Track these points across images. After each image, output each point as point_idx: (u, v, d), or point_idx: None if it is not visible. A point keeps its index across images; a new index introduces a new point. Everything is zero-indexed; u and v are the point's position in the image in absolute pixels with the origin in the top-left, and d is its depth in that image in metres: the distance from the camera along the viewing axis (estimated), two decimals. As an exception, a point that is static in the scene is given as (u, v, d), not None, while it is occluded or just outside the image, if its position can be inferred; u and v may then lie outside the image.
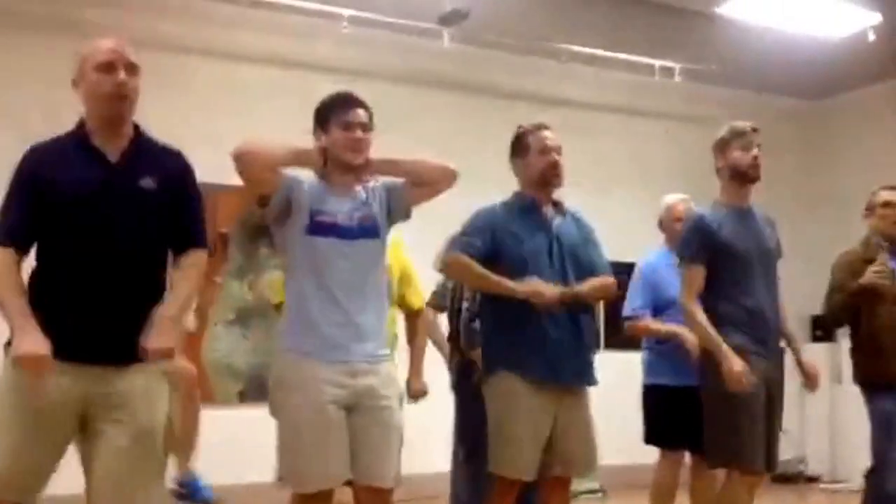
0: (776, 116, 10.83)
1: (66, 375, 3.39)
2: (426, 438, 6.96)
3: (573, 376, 4.45)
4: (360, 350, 3.89)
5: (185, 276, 3.64)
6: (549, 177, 4.57)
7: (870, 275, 5.02)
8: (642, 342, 5.93)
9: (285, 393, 3.86)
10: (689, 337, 5.17)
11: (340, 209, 3.96)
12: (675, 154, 10.12)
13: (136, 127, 3.67)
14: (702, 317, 4.62)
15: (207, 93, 8.38)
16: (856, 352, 5.34)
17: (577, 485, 8.39)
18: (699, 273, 4.64)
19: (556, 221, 4.60)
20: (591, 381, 4.57)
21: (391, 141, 8.77)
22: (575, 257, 4.56)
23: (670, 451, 5.73)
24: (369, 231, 4.00)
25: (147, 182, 3.56)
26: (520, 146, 4.65)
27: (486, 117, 9.14)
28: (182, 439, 5.64)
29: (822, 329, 10.15)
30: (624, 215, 9.18)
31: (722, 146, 4.77)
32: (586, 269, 4.59)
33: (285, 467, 3.90)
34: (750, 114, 10.43)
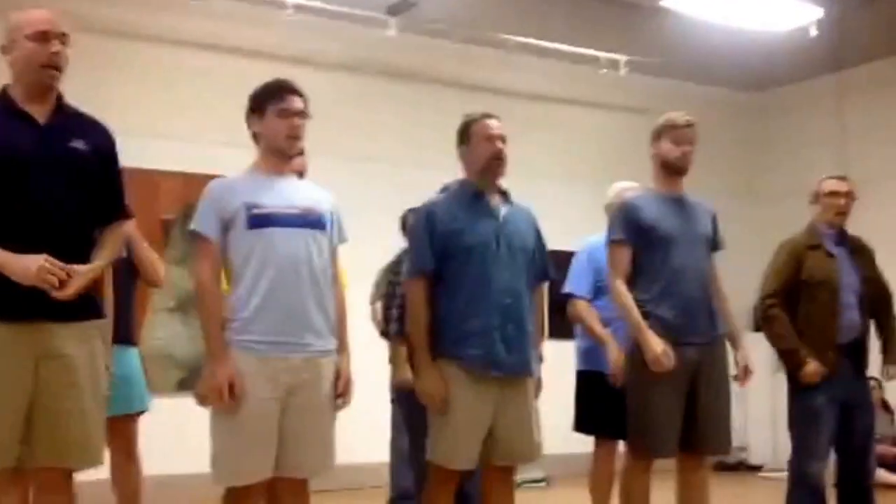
0: (719, 108, 10.94)
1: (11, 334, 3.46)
2: (370, 428, 6.94)
3: (514, 367, 4.40)
4: (301, 345, 3.88)
5: (114, 241, 3.74)
6: (492, 165, 4.53)
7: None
8: (575, 328, 5.93)
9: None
10: (614, 356, 5.33)
11: (277, 201, 3.94)
12: (619, 145, 10.17)
13: (59, 95, 3.71)
14: (626, 298, 4.71)
15: (149, 79, 8.29)
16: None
17: (521, 474, 8.42)
18: (624, 253, 4.76)
19: (503, 210, 4.56)
20: (530, 372, 4.53)
21: (335, 129, 8.80)
22: (523, 248, 4.54)
23: (603, 439, 5.75)
24: (313, 223, 3.99)
25: (78, 144, 3.61)
26: (465, 134, 4.61)
27: (431, 107, 9.14)
28: (129, 498, 5.59)
29: None
30: (567, 205, 9.21)
31: (656, 135, 4.89)
32: (536, 270, 4.61)
33: (219, 460, 3.90)
34: (693, 105, 10.47)
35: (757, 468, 10.13)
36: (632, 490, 4.79)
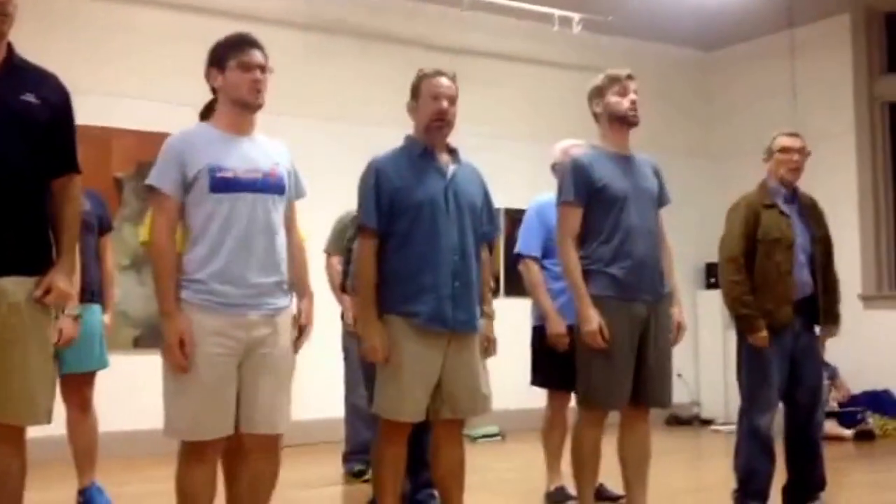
0: (672, 66, 11.00)
1: None
2: (323, 384, 6.97)
3: (461, 323, 4.45)
4: (257, 305, 3.89)
5: (73, 211, 3.77)
6: (433, 124, 4.53)
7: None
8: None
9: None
10: (555, 329, 5.55)
11: (241, 163, 3.92)
12: (572, 103, 10.16)
13: (10, 46, 3.68)
14: (573, 262, 4.73)
15: (101, 36, 8.20)
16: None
17: (475, 429, 8.51)
18: (574, 213, 4.73)
19: (452, 168, 4.58)
20: (476, 328, 4.57)
21: (291, 87, 8.76)
22: (472, 206, 4.57)
23: (556, 392, 5.84)
24: (274, 186, 3.99)
25: (29, 97, 3.59)
26: (415, 90, 4.62)
27: (384, 64, 9.12)
28: (84, 452, 5.61)
29: (715, 276, 10.36)
30: (519, 163, 9.24)
31: (598, 92, 4.87)
32: (483, 228, 4.66)
33: (172, 415, 3.89)
34: (646, 63, 10.66)
35: (708, 422, 10.27)
36: (583, 443, 4.83)
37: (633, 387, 4.71)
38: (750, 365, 5.33)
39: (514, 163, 9.28)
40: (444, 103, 4.52)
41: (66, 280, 3.70)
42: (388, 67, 8.93)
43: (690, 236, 9.35)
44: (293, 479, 5.84)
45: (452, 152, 4.64)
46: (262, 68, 4.00)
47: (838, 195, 9.96)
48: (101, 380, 6.68)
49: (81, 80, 7.86)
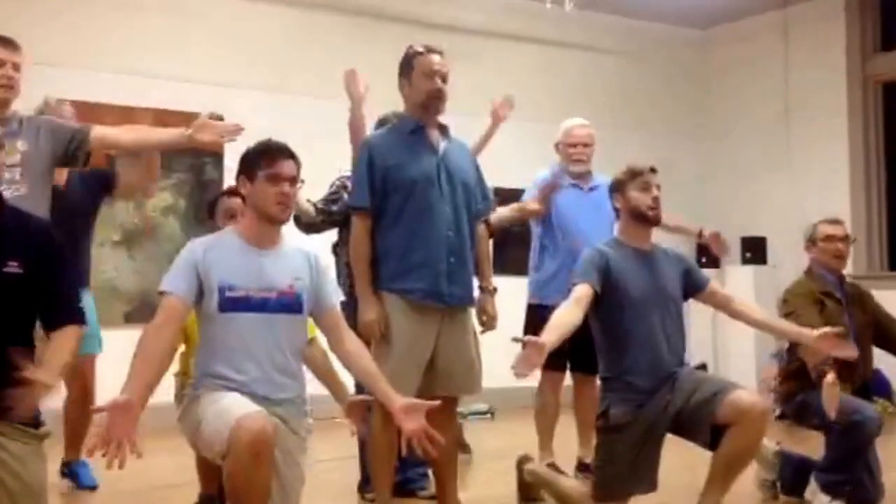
0: (664, 44, 11.00)
1: None
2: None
3: (456, 299, 4.49)
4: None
5: (62, 347, 3.56)
6: (431, 102, 4.54)
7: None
8: (530, 263, 6.00)
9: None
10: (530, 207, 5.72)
11: (254, 281, 3.78)
12: (564, 82, 10.20)
13: (1, 197, 3.60)
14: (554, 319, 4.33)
15: (117, 15, 8.22)
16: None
17: (466, 406, 8.54)
18: (584, 290, 4.37)
19: (443, 145, 4.60)
20: (471, 302, 4.62)
21: (281, 64, 8.74)
22: (464, 182, 4.59)
23: (550, 371, 5.84)
24: (289, 306, 3.85)
25: (11, 267, 3.46)
26: (407, 67, 4.61)
27: (374, 42, 9.07)
28: (77, 430, 5.55)
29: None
30: (511, 142, 9.23)
31: (620, 187, 4.62)
32: (475, 204, 4.67)
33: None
34: (638, 42, 10.69)
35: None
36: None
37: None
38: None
39: (505, 141, 9.23)
40: (439, 81, 4.54)
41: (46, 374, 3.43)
42: (379, 45, 8.90)
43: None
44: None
45: (443, 129, 4.66)
46: (293, 181, 3.86)
47: (830, 173, 10.01)
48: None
49: (99, 58, 7.96)
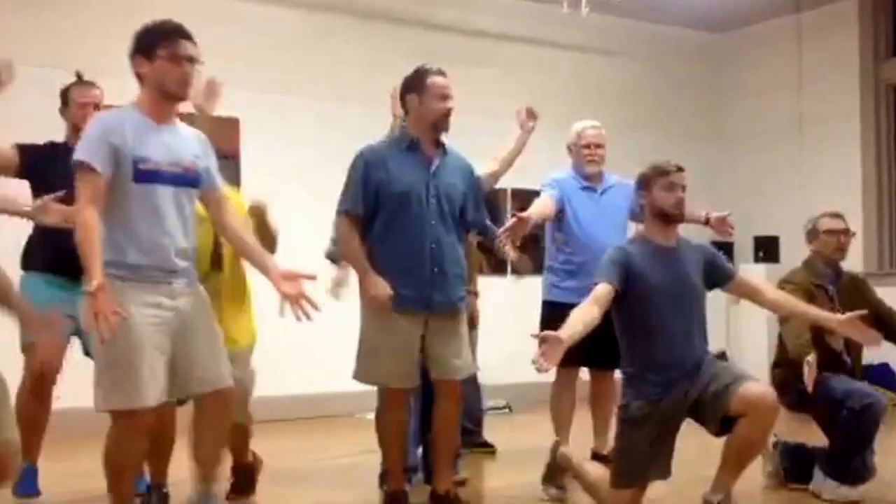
0: (679, 49, 11.13)
1: None
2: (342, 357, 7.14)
3: (438, 304, 4.88)
4: (168, 282, 4.05)
5: None
6: (442, 122, 4.89)
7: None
8: (545, 260, 6.16)
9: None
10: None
11: (163, 155, 4.02)
12: (580, 85, 10.32)
13: None
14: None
15: (127, 19, 8.30)
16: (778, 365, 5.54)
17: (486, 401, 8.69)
18: (604, 289, 4.51)
19: (437, 161, 4.94)
20: (455, 308, 4.99)
21: (296, 67, 8.89)
22: (451, 197, 4.94)
23: (565, 366, 6.00)
24: (191, 181, 4.14)
25: None
26: (419, 85, 4.91)
27: (392, 46, 9.20)
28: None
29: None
30: (529, 144, 9.37)
31: (645, 184, 4.70)
32: (466, 216, 5.05)
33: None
34: (654, 46, 10.82)
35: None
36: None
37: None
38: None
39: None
40: (451, 103, 4.90)
41: None
42: (394, 49, 9.07)
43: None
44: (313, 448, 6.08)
45: (440, 145, 4.98)
46: (192, 60, 4.09)
47: (843, 175, 10.13)
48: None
49: (102, 62, 8.06)
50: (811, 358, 4.98)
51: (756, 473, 5.50)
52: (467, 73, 9.10)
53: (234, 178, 8.55)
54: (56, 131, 5.34)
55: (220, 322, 4.33)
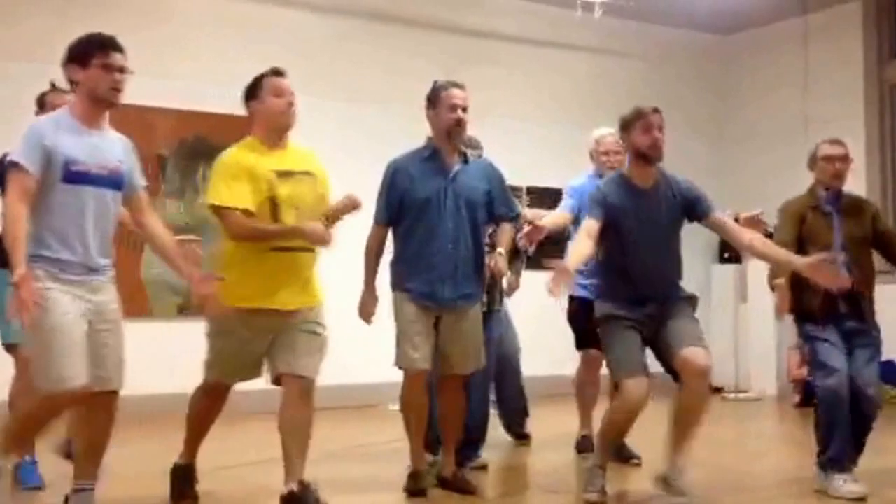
0: (688, 50, 11.27)
1: None
2: (366, 349, 7.30)
3: (449, 300, 5.30)
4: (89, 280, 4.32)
5: None
6: (453, 131, 5.31)
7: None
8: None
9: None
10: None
11: (92, 158, 4.27)
12: (594, 88, 10.48)
13: None
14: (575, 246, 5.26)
15: (146, 21, 8.43)
16: (792, 288, 5.62)
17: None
18: (592, 223, 5.10)
19: (456, 168, 5.37)
20: (468, 304, 5.39)
21: (322, 70, 9.06)
22: (470, 201, 5.36)
23: (588, 349, 6.29)
24: (116, 183, 4.39)
25: None
26: (434, 99, 5.34)
27: (408, 48, 9.37)
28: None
29: (728, 251, 10.71)
30: (543, 145, 9.57)
31: (625, 126, 5.19)
32: (489, 212, 5.48)
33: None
34: (663, 48, 10.98)
35: (719, 390, 10.54)
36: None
37: None
38: (808, 354, 5.64)
39: (536, 143, 9.58)
40: (461, 113, 5.31)
41: None
42: (413, 52, 9.24)
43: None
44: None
45: (461, 154, 5.43)
46: (123, 70, 4.36)
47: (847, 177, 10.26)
48: (147, 346, 7.06)
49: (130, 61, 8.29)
50: (780, 281, 5.48)
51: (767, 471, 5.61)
52: (484, 74, 9.33)
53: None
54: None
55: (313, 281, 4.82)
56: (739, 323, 10.76)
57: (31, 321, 4.00)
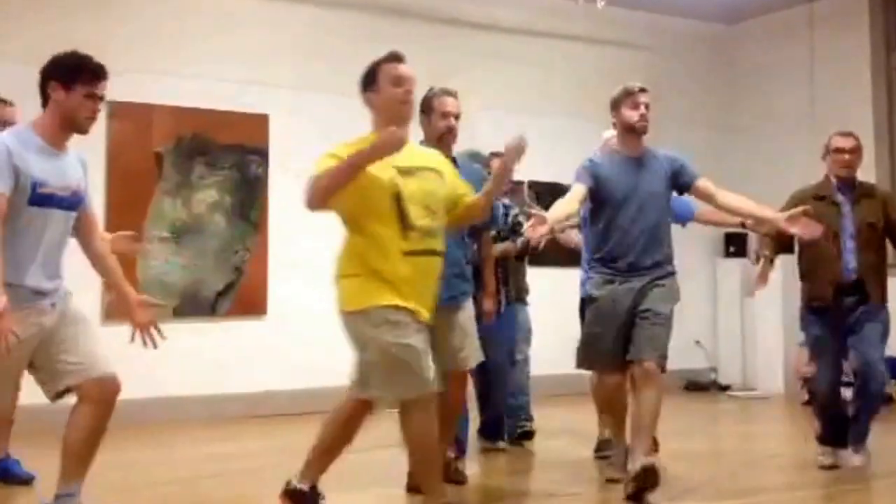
0: (693, 40, 11.16)
1: None
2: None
3: (444, 300, 4.88)
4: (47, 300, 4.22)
5: None
6: (445, 138, 5.34)
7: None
8: (582, 261, 6.24)
9: None
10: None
11: (58, 181, 4.17)
12: (597, 78, 10.36)
13: None
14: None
15: (142, 17, 8.34)
16: (801, 276, 5.99)
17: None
18: (579, 188, 5.33)
19: None
20: (456, 304, 5.15)
21: (319, 64, 8.94)
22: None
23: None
24: (75, 204, 4.29)
25: None
26: (428, 107, 5.39)
27: (415, 40, 9.22)
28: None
29: (734, 245, 10.59)
30: (544, 137, 9.44)
31: (615, 104, 5.41)
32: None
33: None
34: (667, 37, 10.86)
35: (726, 388, 10.48)
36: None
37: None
38: (808, 345, 6.06)
39: (539, 136, 9.42)
40: (453, 121, 5.36)
41: None
42: (421, 45, 9.09)
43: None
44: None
45: (452, 160, 5.32)
46: (102, 99, 4.24)
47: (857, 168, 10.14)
48: (141, 349, 6.96)
49: (122, 60, 8.17)
50: (767, 252, 5.99)
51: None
52: (486, 66, 9.21)
53: (262, 175, 8.70)
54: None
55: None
56: (746, 318, 10.65)
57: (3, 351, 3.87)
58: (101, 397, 4.20)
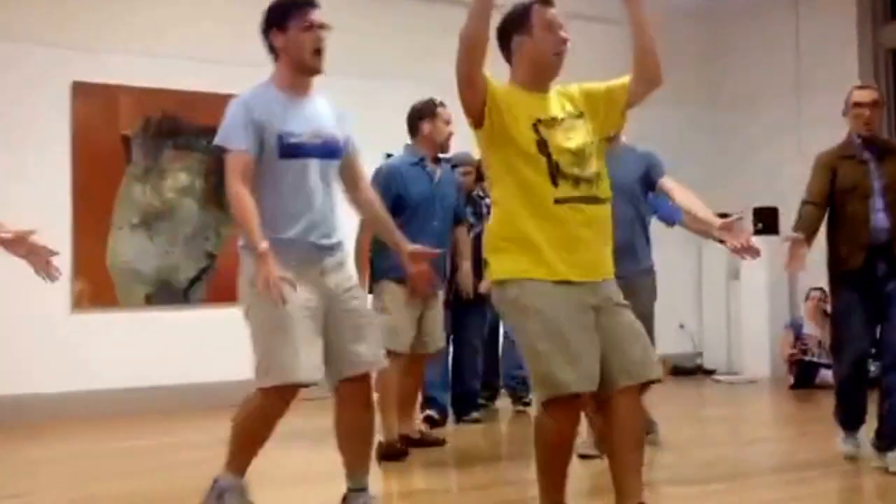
0: (676, 15, 10.97)
1: None
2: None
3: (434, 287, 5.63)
4: (326, 252, 4.12)
5: None
6: (447, 144, 6.18)
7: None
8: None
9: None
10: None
11: (306, 128, 4.03)
12: (578, 54, 10.14)
13: None
14: None
15: None
16: (829, 242, 5.61)
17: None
18: None
19: (438, 173, 6.20)
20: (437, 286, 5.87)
21: (334, 45, 8.71)
22: (449, 203, 6.27)
23: None
24: (333, 152, 4.13)
25: None
26: (430, 114, 6.05)
27: (429, 23, 9.03)
28: None
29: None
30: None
31: None
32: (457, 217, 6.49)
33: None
34: (650, 12, 10.63)
35: (711, 372, 10.37)
36: None
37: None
38: (834, 313, 5.70)
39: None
40: (451, 128, 6.05)
41: None
42: (435, 28, 8.91)
43: (694, 186, 9.36)
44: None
45: (439, 161, 6.23)
46: (324, 27, 4.07)
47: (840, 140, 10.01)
48: (115, 336, 6.75)
49: (88, 39, 7.98)
50: (797, 235, 5.41)
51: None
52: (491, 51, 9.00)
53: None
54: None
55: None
56: (731, 301, 10.51)
57: (277, 298, 3.74)
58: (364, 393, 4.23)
